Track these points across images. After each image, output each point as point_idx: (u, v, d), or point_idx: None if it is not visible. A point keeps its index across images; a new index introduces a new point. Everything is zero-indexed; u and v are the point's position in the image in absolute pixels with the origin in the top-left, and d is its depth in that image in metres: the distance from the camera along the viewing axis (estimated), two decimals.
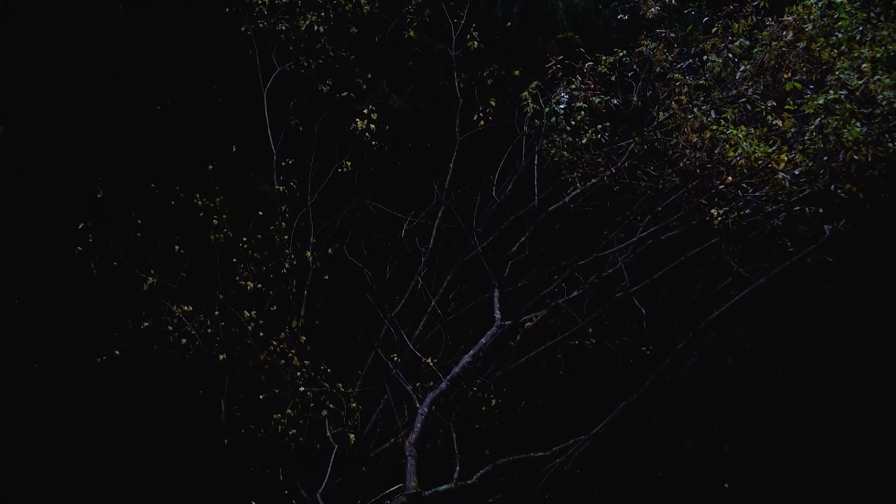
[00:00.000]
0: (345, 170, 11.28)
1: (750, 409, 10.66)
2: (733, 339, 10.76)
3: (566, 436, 10.49)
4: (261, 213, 11.04)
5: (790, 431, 10.41)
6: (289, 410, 10.18)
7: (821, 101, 9.20)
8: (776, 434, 10.43)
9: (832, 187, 9.22)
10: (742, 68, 10.06)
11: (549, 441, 10.53)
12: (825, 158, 9.23)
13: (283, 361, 10.37)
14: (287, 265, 10.80)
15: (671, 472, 10.41)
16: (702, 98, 10.16)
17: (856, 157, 8.96)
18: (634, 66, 10.46)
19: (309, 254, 10.90)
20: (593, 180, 10.81)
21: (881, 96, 8.96)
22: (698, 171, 9.95)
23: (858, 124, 8.97)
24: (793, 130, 9.45)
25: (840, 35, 9.41)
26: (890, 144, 9.03)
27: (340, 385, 10.45)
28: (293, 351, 10.43)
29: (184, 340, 10.33)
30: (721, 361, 10.83)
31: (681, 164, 10.08)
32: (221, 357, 10.37)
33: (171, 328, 10.34)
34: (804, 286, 10.40)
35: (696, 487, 10.18)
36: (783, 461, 10.34)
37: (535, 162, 11.02)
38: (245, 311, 10.43)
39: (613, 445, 10.51)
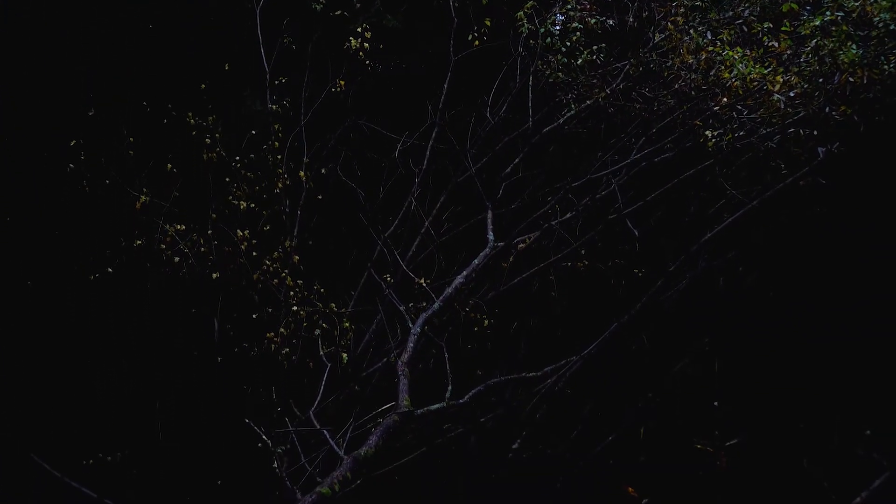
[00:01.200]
0: (338, 90, 11.20)
1: (741, 330, 10.72)
2: (725, 261, 10.79)
3: (558, 357, 10.55)
4: (254, 132, 10.97)
5: (781, 352, 10.48)
6: (282, 329, 10.23)
7: (817, 23, 9.16)
8: (767, 354, 10.50)
9: (827, 109, 9.20)
10: None
11: (540, 362, 10.60)
12: (821, 80, 9.21)
13: (276, 281, 10.39)
14: (280, 185, 10.77)
15: (661, 392, 10.49)
16: (698, 19, 10.10)
17: (851, 79, 8.95)
18: None
19: (302, 174, 10.87)
20: (588, 102, 10.77)
21: (877, 18, 8.92)
22: (693, 92, 9.92)
23: (854, 46, 8.93)
24: (789, 52, 9.41)
25: None
26: (885, 67, 9.00)
27: (333, 305, 10.48)
28: (286, 271, 10.45)
29: (177, 259, 10.34)
30: (713, 283, 10.87)
31: (676, 86, 10.04)
32: (214, 276, 10.39)
33: (163, 247, 10.35)
34: (797, 208, 10.41)
35: (686, 406, 10.27)
36: (773, 381, 10.43)
37: (530, 83, 10.96)
38: (238, 231, 10.42)
39: (605, 366, 10.59)
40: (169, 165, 10.59)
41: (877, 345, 10.33)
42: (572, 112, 10.92)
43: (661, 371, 10.89)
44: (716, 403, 9.32)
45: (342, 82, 11.13)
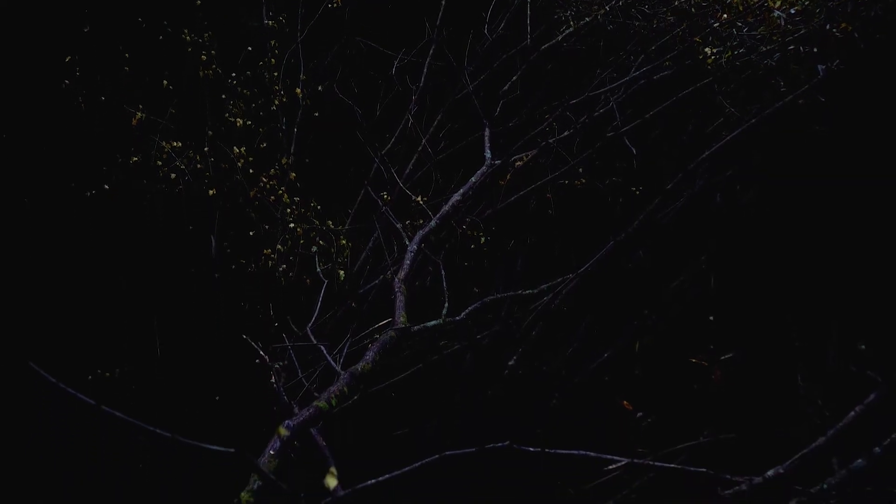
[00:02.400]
0: (335, 6, 11.12)
1: (738, 248, 10.74)
2: (723, 179, 10.78)
3: (554, 274, 10.57)
4: (250, 48, 10.90)
5: (778, 269, 10.51)
6: (279, 247, 10.26)
7: None
8: (764, 272, 10.52)
9: (828, 27, 9.13)
10: None
11: (537, 279, 10.63)
12: None
13: (272, 198, 10.39)
14: (277, 102, 10.74)
15: (658, 309, 10.54)
16: None
17: None
18: None
19: (299, 91, 10.82)
20: (587, 19, 10.68)
21: None
22: (693, 9, 9.83)
23: None
24: None
25: None
26: None
27: (330, 222, 10.50)
28: (283, 188, 10.45)
29: (173, 176, 10.34)
30: (710, 201, 10.86)
31: (676, 3, 9.96)
32: (211, 193, 10.39)
33: (160, 163, 10.34)
34: (796, 127, 10.37)
35: (682, 323, 10.31)
36: (770, 298, 10.46)
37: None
38: (234, 148, 10.40)
39: (601, 284, 10.63)
40: (165, 82, 10.54)
41: (877, 261, 10.35)
42: (571, 29, 10.83)
43: (658, 288, 10.94)
44: (711, 318, 9.36)
45: None
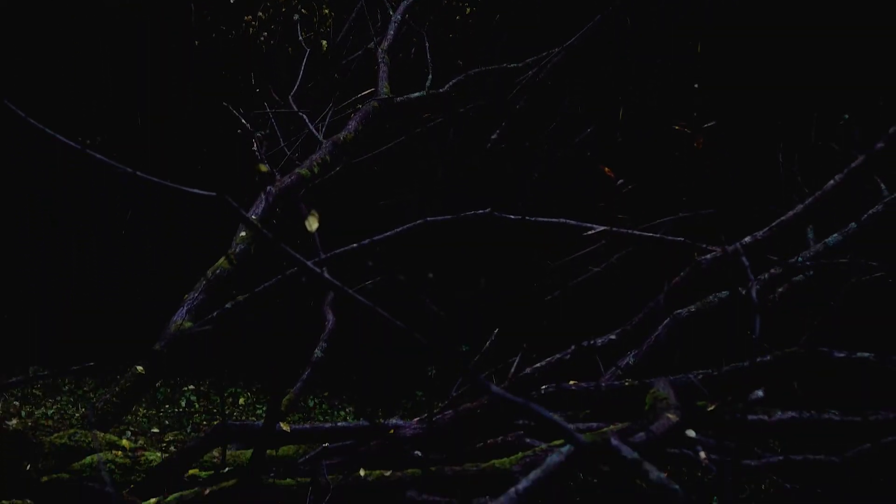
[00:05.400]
0: None
1: (728, 23, 10.50)
2: None
3: (540, 48, 10.42)
4: None
5: (766, 44, 10.32)
6: (260, 14, 10.04)
7: None
8: (750, 45, 10.31)
9: None
10: None
11: (523, 53, 10.48)
12: None
13: None
14: None
15: (641, 79, 10.38)
16: None
17: None
18: None
19: None
20: None
21: None
22: None
23: None
24: None
25: None
26: None
27: None
28: None
29: None
30: None
31: None
32: None
33: None
34: None
35: (666, 91, 10.17)
36: (754, 74, 10.32)
37: None
38: None
39: (587, 58, 10.47)
40: None
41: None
42: None
43: (643, 68, 10.78)
44: (696, 86, 9.23)
45: None
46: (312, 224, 2.72)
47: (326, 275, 3.10)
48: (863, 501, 6.08)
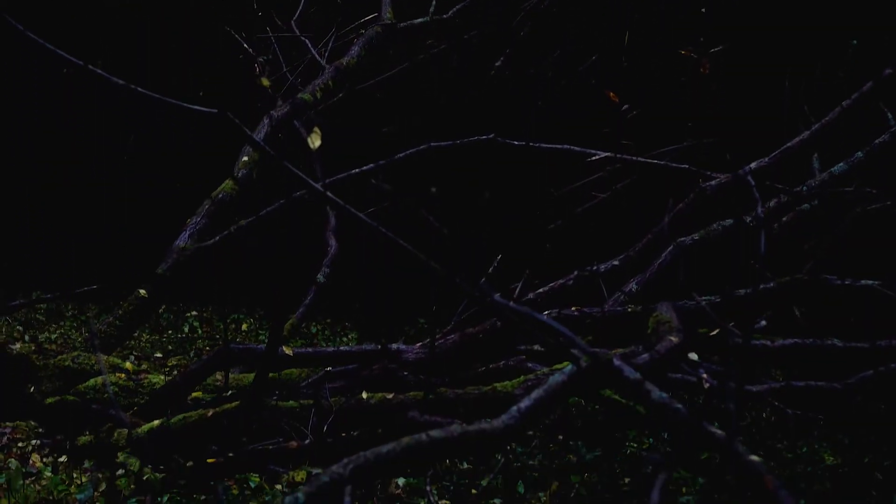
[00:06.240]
0: None
1: None
2: None
3: None
4: None
5: None
6: None
7: None
8: None
9: None
10: None
11: None
12: None
13: None
14: None
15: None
16: None
17: None
18: None
19: None
20: None
21: None
22: None
23: None
24: None
25: None
26: None
27: None
28: None
29: None
30: None
31: None
32: None
33: None
34: None
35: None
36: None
37: None
38: None
39: None
40: None
41: None
42: None
43: None
44: (703, 10, 9.06)
45: None
46: (315, 141, 2.69)
47: (329, 194, 3.08)
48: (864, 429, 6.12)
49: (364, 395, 5.16)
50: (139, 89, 2.79)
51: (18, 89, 10.77)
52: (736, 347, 3.90)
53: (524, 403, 2.88)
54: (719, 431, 2.57)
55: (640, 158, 6.38)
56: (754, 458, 2.37)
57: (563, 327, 2.18)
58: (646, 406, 2.89)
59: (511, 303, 2.16)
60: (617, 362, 2.90)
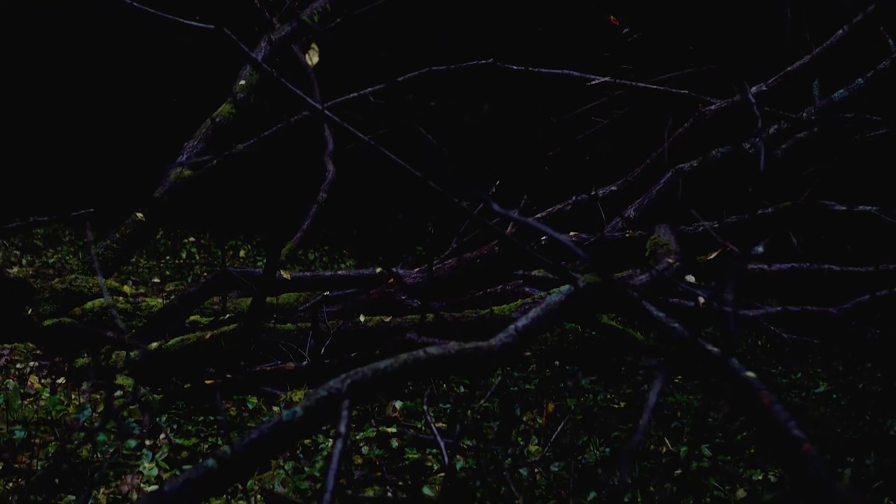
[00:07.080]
0: None
1: None
2: None
3: None
4: None
5: None
6: None
7: None
8: None
9: None
10: None
11: None
12: None
13: None
14: None
15: None
16: None
17: None
18: None
19: None
20: None
21: None
22: None
23: None
24: None
25: None
26: None
27: None
28: None
29: None
30: None
31: None
32: None
33: None
34: None
35: None
36: None
37: None
38: None
39: None
40: None
41: None
42: None
43: None
44: None
45: None
46: (313, 58, 2.66)
47: (328, 112, 3.05)
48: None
49: (361, 318, 5.18)
50: (135, 4, 2.75)
51: (14, 6, 10.66)
52: (733, 266, 3.89)
53: (521, 322, 2.89)
54: (715, 349, 2.58)
55: (639, 84, 6.32)
56: (750, 374, 2.38)
57: (562, 236, 2.17)
58: (646, 323, 2.89)
59: (513, 212, 2.15)
60: (616, 277, 2.90)
